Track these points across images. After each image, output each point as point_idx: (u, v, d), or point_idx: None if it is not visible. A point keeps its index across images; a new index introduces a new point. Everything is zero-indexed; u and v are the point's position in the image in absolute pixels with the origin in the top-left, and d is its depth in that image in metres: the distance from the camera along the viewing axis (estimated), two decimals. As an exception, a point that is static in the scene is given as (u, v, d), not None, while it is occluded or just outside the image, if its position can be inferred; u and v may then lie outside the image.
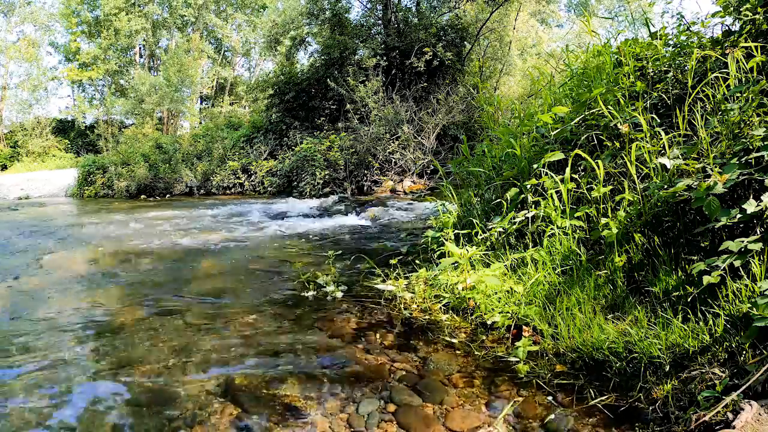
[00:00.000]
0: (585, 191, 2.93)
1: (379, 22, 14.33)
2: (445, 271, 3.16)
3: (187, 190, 13.51)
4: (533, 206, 3.14)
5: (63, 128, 23.98)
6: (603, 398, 1.94)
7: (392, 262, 3.70)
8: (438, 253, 3.49)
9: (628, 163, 2.66)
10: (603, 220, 2.64)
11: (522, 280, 2.83)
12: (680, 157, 2.47)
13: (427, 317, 2.94)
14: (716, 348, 1.85)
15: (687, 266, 2.24)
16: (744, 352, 1.76)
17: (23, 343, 2.74)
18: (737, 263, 1.96)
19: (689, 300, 2.11)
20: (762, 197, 2.00)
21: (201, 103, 26.64)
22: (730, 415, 1.56)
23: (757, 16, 2.75)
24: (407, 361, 2.42)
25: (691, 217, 2.41)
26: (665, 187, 2.39)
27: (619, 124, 2.81)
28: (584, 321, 2.31)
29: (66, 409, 2.06)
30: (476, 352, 2.45)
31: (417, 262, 3.64)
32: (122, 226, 7.43)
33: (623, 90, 3.04)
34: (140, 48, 24.83)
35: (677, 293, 2.19)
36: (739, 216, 2.02)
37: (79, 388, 2.23)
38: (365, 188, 11.40)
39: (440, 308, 3.02)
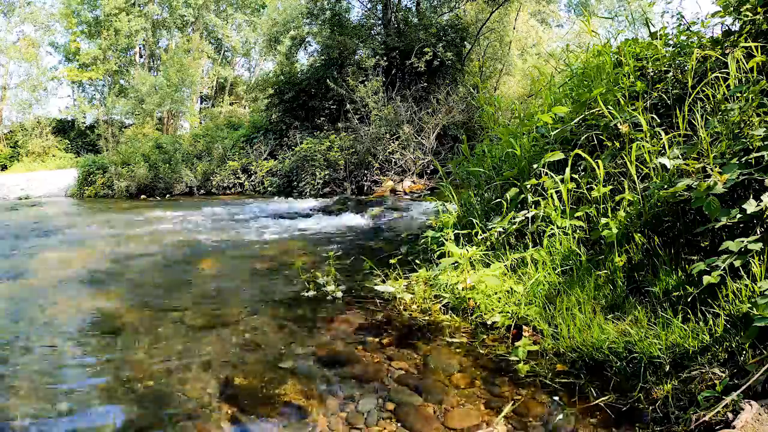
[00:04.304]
0: (585, 191, 2.93)
1: (379, 22, 14.32)
2: (445, 272, 3.16)
3: (187, 190, 13.50)
4: (533, 206, 3.14)
5: (63, 128, 23.95)
6: (603, 398, 1.94)
7: (392, 262, 3.70)
8: (438, 253, 3.49)
9: (628, 163, 2.66)
10: (603, 220, 2.63)
11: (522, 280, 2.83)
12: (680, 157, 2.47)
13: (426, 317, 2.94)
14: (716, 348, 1.85)
15: (687, 266, 2.24)
16: (744, 352, 1.76)
17: (21, 344, 2.74)
18: (737, 263, 1.96)
19: (689, 300, 2.11)
20: (762, 197, 2.00)
21: (201, 103, 26.62)
22: (730, 415, 1.56)
23: (757, 17, 2.75)
24: (407, 360, 2.41)
25: (691, 217, 2.41)
26: (665, 187, 2.39)
27: (619, 124, 2.81)
28: (584, 321, 2.31)
29: (65, 410, 2.06)
30: (476, 352, 2.45)
31: (417, 262, 3.63)
32: (122, 226, 7.43)
33: (623, 90, 3.04)
34: (140, 48, 24.81)
35: (677, 293, 2.19)
36: (739, 216, 2.02)
37: (77, 389, 2.23)
38: (365, 188, 11.38)
39: (440, 308, 3.02)
